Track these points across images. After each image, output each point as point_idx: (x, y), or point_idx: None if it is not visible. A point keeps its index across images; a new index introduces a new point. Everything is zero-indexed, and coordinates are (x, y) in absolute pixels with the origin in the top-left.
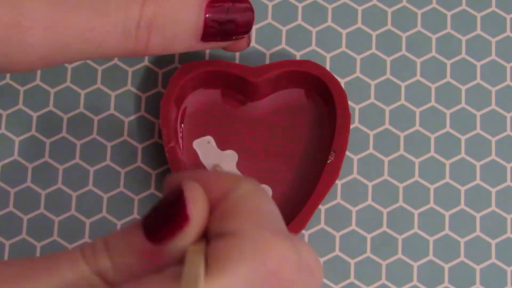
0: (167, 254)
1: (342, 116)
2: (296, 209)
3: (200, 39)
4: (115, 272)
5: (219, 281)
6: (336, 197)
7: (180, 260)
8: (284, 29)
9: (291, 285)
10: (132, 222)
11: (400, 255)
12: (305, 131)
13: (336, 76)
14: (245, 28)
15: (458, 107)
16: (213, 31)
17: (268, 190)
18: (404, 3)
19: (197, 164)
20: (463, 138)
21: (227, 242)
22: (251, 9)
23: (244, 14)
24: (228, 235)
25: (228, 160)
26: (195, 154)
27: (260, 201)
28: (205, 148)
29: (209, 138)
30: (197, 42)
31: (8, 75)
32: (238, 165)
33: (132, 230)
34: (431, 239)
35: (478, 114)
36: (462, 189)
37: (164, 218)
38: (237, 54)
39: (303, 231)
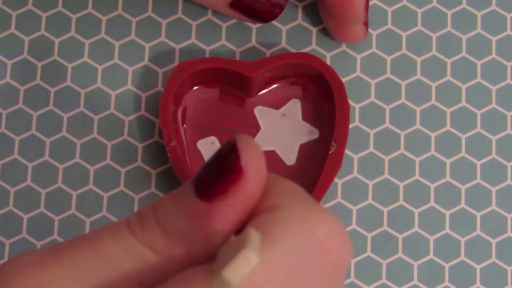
0: (221, 217)
1: (341, 105)
2: None
3: (228, 3)
4: (165, 239)
5: (269, 254)
6: (337, 196)
7: (234, 230)
8: (284, 29)
9: (340, 257)
10: (183, 184)
11: (400, 254)
12: (306, 124)
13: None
14: (271, 14)
15: (459, 105)
16: (242, 1)
17: None
18: (405, 2)
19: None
20: (463, 137)
21: (272, 215)
22: (285, 0)
23: (277, 1)
24: (271, 209)
25: None
26: (198, 152)
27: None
28: (209, 148)
29: (213, 138)
30: (224, 4)
31: (8, 74)
32: None
33: (182, 190)
34: (432, 238)
35: (479, 112)
36: (463, 188)
37: (216, 173)
38: (237, 53)
39: None
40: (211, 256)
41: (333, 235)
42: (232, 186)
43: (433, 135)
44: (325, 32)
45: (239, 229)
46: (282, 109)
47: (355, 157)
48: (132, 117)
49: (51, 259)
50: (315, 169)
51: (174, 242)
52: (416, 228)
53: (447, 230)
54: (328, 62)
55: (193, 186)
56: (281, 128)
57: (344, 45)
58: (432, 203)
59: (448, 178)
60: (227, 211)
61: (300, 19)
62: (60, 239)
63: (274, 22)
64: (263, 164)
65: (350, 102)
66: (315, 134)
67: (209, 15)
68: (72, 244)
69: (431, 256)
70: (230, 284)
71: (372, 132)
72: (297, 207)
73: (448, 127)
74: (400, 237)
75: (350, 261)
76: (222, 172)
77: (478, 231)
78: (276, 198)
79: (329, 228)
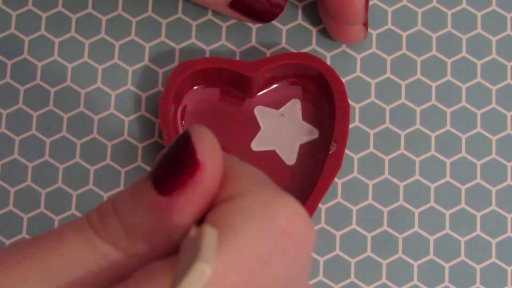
0: (181, 211)
1: (341, 105)
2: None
3: (228, 4)
4: (127, 236)
5: (231, 245)
6: (337, 196)
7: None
8: (284, 29)
9: (303, 241)
10: (140, 177)
11: (400, 254)
12: (306, 124)
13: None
14: (271, 14)
15: (459, 105)
16: (242, 1)
17: None
18: (405, 2)
19: None
20: (463, 137)
21: (232, 204)
22: (284, 0)
23: (276, 2)
24: (231, 198)
25: None
26: None
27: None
28: None
29: None
30: (224, 5)
31: (8, 74)
32: None
33: (140, 185)
34: (432, 238)
35: (479, 112)
36: (463, 188)
37: (173, 168)
38: (237, 53)
39: None
40: (174, 249)
41: (294, 220)
42: (190, 179)
43: (433, 135)
44: (325, 32)
45: (201, 219)
46: (282, 109)
47: (355, 157)
48: (132, 117)
49: (12, 259)
50: (315, 169)
51: (137, 239)
52: (416, 228)
53: (447, 230)
54: (328, 62)
55: (151, 181)
56: (281, 128)
57: (344, 45)
58: (432, 203)
59: (448, 178)
60: (186, 205)
61: (300, 19)
62: None
63: (274, 22)
64: (219, 154)
65: (350, 102)
66: (315, 134)
67: (209, 15)
68: (35, 243)
69: (431, 256)
70: None
71: (372, 132)
72: (257, 194)
73: (448, 127)
74: (400, 237)
75: (314, 244)
76: (179, 166)
77: (478, 231)
78: (235, 187)
79: (290, 213)
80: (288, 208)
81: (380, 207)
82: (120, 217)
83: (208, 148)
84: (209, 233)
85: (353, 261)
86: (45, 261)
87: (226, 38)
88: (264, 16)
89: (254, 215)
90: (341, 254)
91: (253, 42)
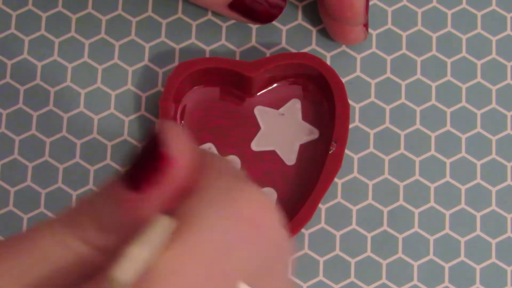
0: (151, 205)
1: (341, 105)
2: (298, 205)
3: (227, 4)
4: (100, 233)
5: (193, 234)
6: (337, 196)
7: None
8: (284, 29)
9: (269, 231)
10: (111, 178)
11: (400, 254)
12: (306, 124)
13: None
14: (270, 15)
15: (459, 105)
16: (242, 2)
17: (273, 194)
18: (405, 2)
19: None
20: (463, 137)
21: (197, 196)
22: (284, 1)
23: (276, 2)
24: (199, 190)
25: None
26: None
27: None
28: None
29: (209, 145)
30: (224, 5)
31: (8, 74)
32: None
33: (111, 182)
34: (432, 238)
35: (479, 112)
36: (463, 188)
37: (143, 164)
38: (237, 53)
39: (303, 230)
40: None
41: (260, 212)
42: (159, 174)
43: (433, 135)
44: (325, 32)
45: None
46: (282, 109)
47: (355, 157)
48: (132, 117)
49: None
50: (315, 169)
51: (109, 235)
52: (416, 228)
53: (447, 230)
54: (328, 62)
55: (122, 178)
56: (281, 128)
57: (344, 45)
58: (432, 203)
59: (448, 178)
60: (157, 199)
61: (300, 19)
62: None
63: (274, 22)
64: (187, 148)
65: (350, 102)
66: (315, 134)
67: (209, 15)
68: (11, 243)
69: (431, 256)
70: (124, 284)
71: (372, 132)
72: (224, 187)
73: (448, 127)
74: (400, 237)
75: (282, 235)
76: (148, 162)
77: (478, 231)
78: (203, 179)
79: (256, 205)
80: (253, 199)
81: (380, 207)
82: (92, 215)
83: (176, 143)
84: (158, 221)
85: (353, 261)
86: (19, 259)
87: (226, 38)
88: (264, 17)
89: (217, 205)
90: (341, 254)
91: (253, 42)
